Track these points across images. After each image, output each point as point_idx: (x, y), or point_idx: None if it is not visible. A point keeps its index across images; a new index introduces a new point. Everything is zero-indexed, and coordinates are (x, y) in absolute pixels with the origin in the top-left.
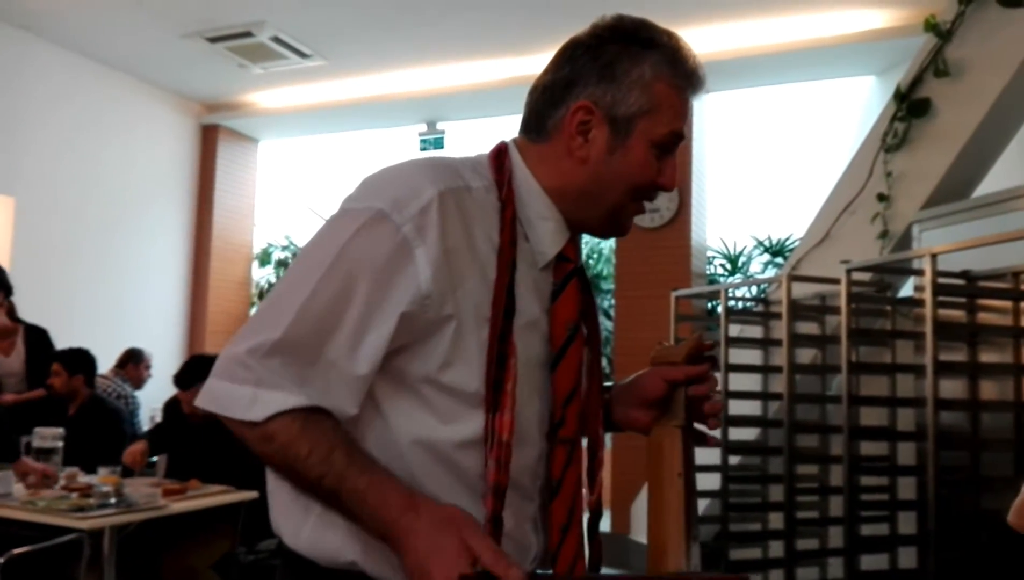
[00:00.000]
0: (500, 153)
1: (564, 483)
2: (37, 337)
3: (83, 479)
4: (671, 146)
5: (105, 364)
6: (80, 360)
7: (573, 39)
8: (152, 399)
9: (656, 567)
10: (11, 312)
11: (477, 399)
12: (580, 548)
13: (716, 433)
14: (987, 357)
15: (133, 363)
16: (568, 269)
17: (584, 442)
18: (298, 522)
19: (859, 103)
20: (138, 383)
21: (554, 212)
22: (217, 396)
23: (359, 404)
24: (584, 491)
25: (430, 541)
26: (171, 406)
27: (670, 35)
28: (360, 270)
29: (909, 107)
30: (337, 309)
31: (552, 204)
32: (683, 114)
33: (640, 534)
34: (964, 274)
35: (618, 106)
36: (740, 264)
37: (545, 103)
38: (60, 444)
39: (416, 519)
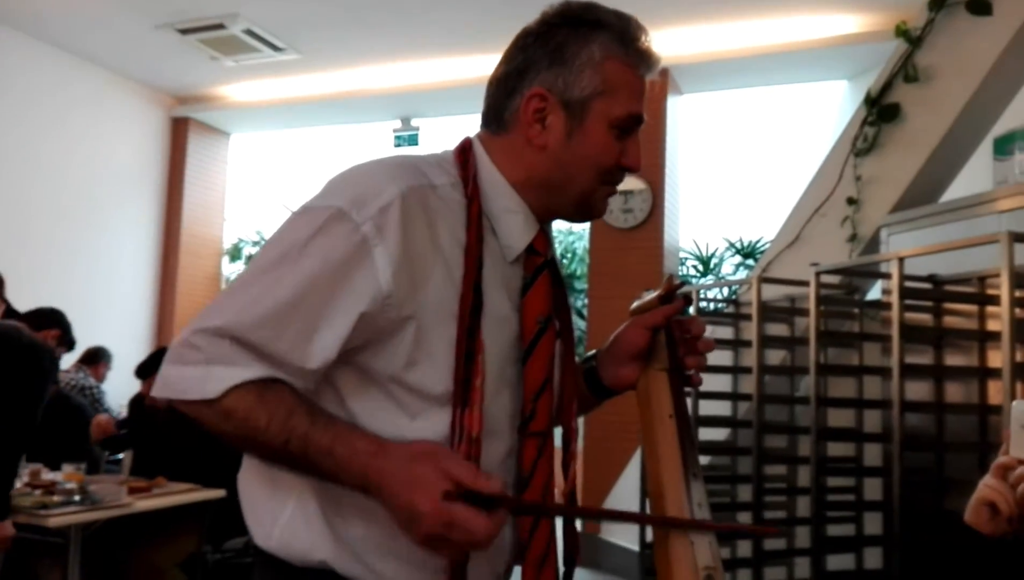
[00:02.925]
0: (465, 149)
1: (534, 477)
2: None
3: (47, 476)
4: (631, 126)
5: (69, 359)
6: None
7: (524, 29)
8: (120, 395)
9: (656, 508)
10: None
11: (445, 399)
12: (551, 544)
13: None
14: (952, 360)
15: (104, 361)
16: (538, 262)
17: (559, 436)
18: (269, 522)
19: (831, 107)
20: (99, 380)
21: (521, 205)
22: (170, 381)
23: (310, 392)
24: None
25: (407, 476)
26: (136, 403)
27: (619, 15)
28: (317, 268)
29: (879, 112)
30: (289, 306)
31: (518, 197)
32: (639, 92)
33: (612, 534)
34: (931, 278)
35: (571, 89)
36: (712, 265)
37: (501, 95)
38: None
39: (387, 461)
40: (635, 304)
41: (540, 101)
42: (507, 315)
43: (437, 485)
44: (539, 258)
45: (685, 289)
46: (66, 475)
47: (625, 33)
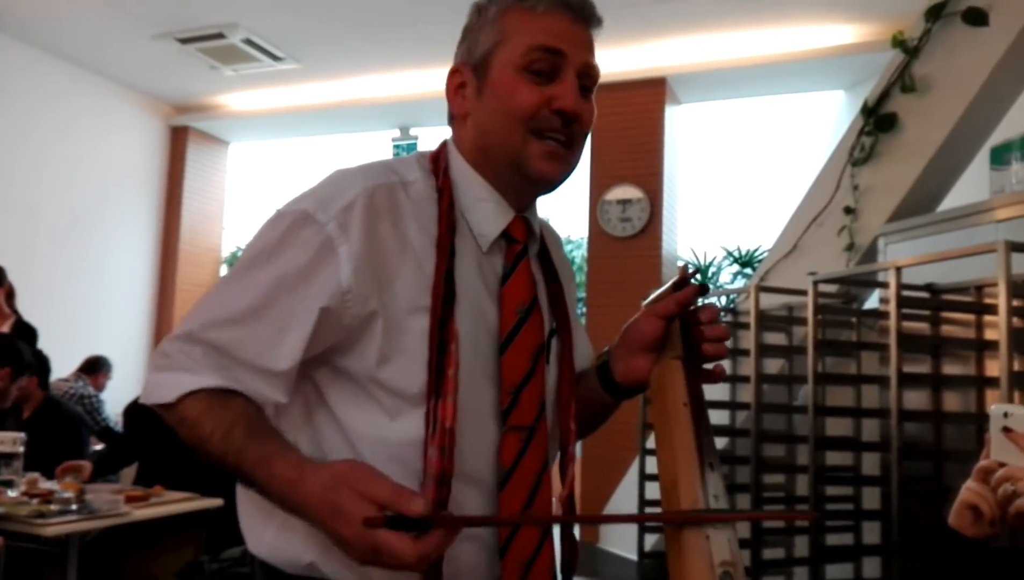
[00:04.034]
0: (439, 149)
1: (516, 472)
2: (24, 333)
3: (44, 485)
4: (544, 64)
5: (69, 367)
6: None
7: None
8: (118, 404)
9: (669, 502)
10: (10, 295)
11: (422, 398)
12: (541, 549)
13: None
14: (950, 369)
15: (104, 370)
16: (518, 250)
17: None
18: (261, 528)
19: (828, 117)
20: (99, 389)
21: (491, 192)
22: (145, 387)
23: (287, 393)
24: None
25: (326, 507)
26: (131, 411)
27: None
28: (284, 270)
29: (876, 122)
30: (258, 308)
31: (487, 184)
32: (543, 28)
33: (610, 543)
34: (928, 287)
35: (474, 52)
36: (710, 274)
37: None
38: (21, 450)
39: (305, 489)
40: (648, 298)
41: (459, 76)
42: (485, 306)
43: (357, 511)
44: (518, 245)
45: (696, 277)
46: (63, 484)
47: None
